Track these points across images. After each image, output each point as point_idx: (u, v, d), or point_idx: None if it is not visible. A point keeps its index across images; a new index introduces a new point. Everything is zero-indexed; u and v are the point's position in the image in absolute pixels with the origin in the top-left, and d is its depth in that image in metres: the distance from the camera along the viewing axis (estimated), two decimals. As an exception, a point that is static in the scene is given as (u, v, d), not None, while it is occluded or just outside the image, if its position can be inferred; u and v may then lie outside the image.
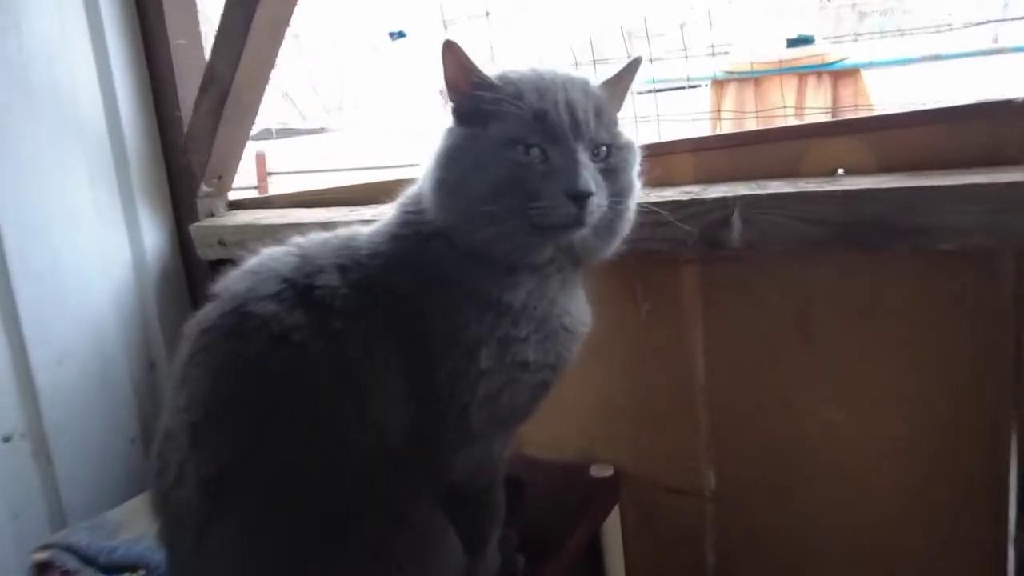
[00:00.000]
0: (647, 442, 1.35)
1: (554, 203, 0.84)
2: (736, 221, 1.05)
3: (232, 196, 1.96)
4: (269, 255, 0.98)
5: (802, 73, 3.75)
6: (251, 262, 0.96)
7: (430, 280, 0.93)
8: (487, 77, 0.90)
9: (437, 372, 0.90)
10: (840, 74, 3.85)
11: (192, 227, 1.83)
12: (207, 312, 0.92)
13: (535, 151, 0.85)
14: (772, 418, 1.23)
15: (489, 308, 0.91)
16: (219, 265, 1.00)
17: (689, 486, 1.33)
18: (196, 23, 1.83)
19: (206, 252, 1.82)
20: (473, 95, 0.89)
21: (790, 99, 3.72)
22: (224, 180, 1.89)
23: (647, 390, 1.34)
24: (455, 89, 0.91)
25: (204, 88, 1.74)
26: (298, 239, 1.02)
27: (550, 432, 1.39)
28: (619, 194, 0.90)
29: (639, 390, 1.34)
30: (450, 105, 0.93)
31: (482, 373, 0.90)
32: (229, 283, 0.94)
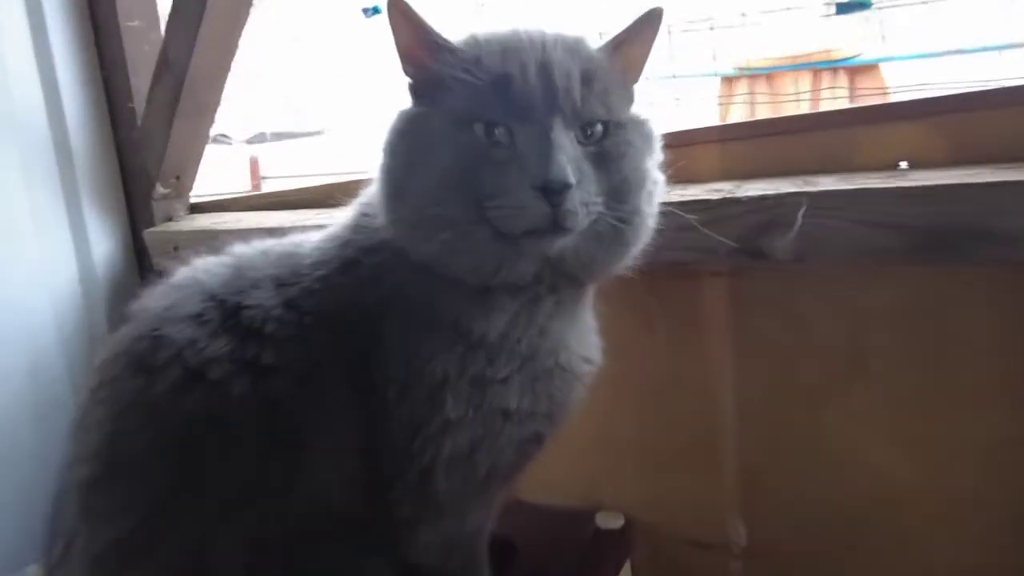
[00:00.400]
0: (664, 487, 1.17)
1: (518, 200, 0.65)
2: (783, 227, 0.84)
3: (197, 199, 1.77)
4: (201, 266, 0.82)
5: (816, 69, 3.55)
6: (179, 274, 0.84)
7: (384, 300, 0.74)
8: (445, 40, 0.71)
9: (390, 422, 0.72)
10: (856, 70, 3.64)
11: (146, 233, 1.64)
12: (120, 335, 0.79)
13: (499, 131, 0.67)
14: (817, 465, 1.04)
15: (458, 340, 0.72)
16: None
17: (714, 540, 1.13)
18: (153, 2, 1.63)
19: (161, 261, 1.62)
20: (430, 66, 0.71)
21: (804, 97, 3.51)
22: (183, 180, 1.69)
23: (664, 426, 1.14)
24: (409, 59, 0.72)
25: (157, 76, 1.55)
26: (239, 246, 0.85)
27: (547, 473, 1.18)
28: (622, 188, 0.71)
29: (654, 426, 1.15)
30: (409, 82, 0.74)
31: (448, 424, 0.72)
32: (148, 300, 0.80)
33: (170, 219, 1.69)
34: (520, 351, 0.74)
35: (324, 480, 0.72)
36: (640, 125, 0.74)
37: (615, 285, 0.86)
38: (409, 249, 0.72)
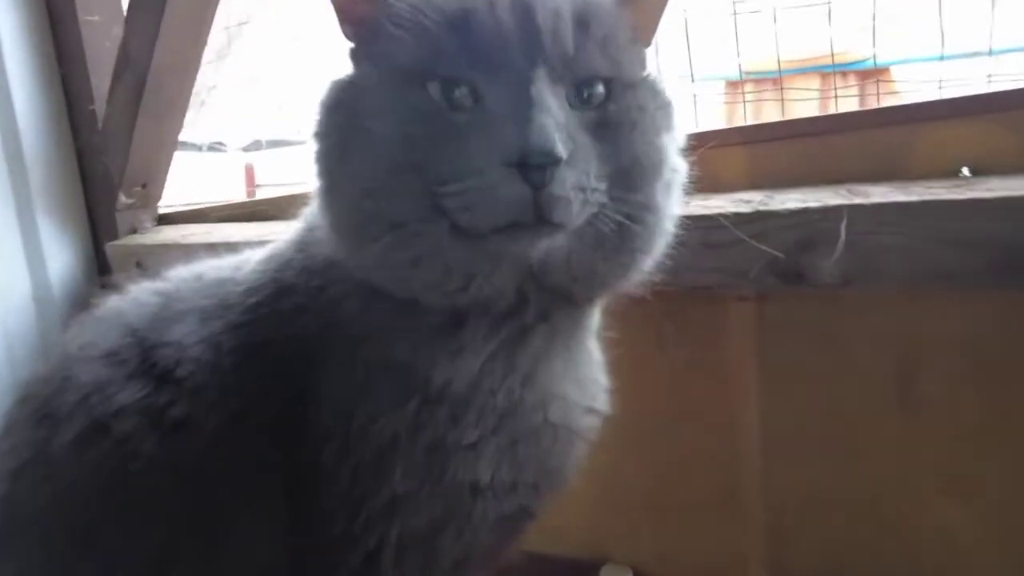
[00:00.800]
0: (679, 538, 1.03)
1: (485, 181, 0.48)
2: (828, 244, 0.70)
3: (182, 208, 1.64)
4: (131, 294, 0.72)
5: (825, 73, 3.39)
6: (105, 304, 0.73)
7: (322, 335, 0.60)
8: None
9: (328, 492, 0.58)
10: (867, 74, 3.50)
11: (108, 246, 1.50)
12: (33, 375, 0.71)
13: (460, 90, 0.51)
14: (858, 516, 0.90)
15: (412, 390, 0.58)
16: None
17: (738, 599, 0.98)
18: (115, -5, 1.50)
19: (124, 277, 1.48)
20: (369, 15, 0.54)
21: (812, 102, 3.37)
22: (150, 188, 1.55)
23: (680, 468, 1.00)
24: (346, 12, 0.56)
25: (118, 74, 1.41)
26: (177, 269, 0.75)
27: (545, 519, 1.04)
28: (632, 172, 0.54)
29: (669, 468, 1.01)
30: (350, 50, 0.59)
31: (396, 501, 0.57)
32: (70, 334, 0.72)
33: (135, 231, 1.55)
34: (496, 406, 0.58)
35: (246, 561, 0.59)
36: (655, 89, 0.57)
37: (622, 304, 0.72)
38: (348, 262, 0.57)
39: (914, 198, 0.69)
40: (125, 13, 1.43)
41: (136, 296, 0.70)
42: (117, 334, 0.64)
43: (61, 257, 1.50)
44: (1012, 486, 0.82)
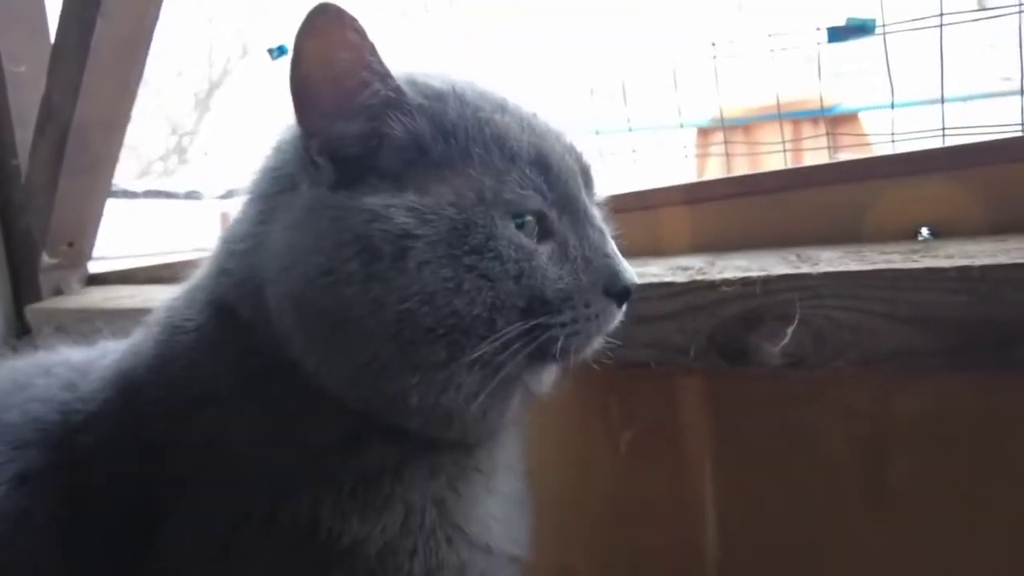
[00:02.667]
0: None
1: (592, 308, 0.54)
2: (774, 321, 0.62)
3: (103, 267, 1.54)
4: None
5: (796, 120, 3.39)
6: None
7: (179, 481, 0.52)
8: (400, 84, 0.52)
9: None
10: (837, 120, 3.50)
11: (28, 309, 1.40)
12: None
13: (527, 220, 0.54)
14: None
15: (306, 544, 0.50)
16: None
17: None
18: (45, 45, 1.42)
19: (45, 343, 1.38)
20: (375, 119, 0.51)
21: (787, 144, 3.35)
22: (78, 247, 1.46)
23: (628, 562, 0.89)
24: (336, 106, 0.51)
25: (40, 128, 1.34)
26: (24, 360, 0.66)
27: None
28: None
29: (616, 562, 0.90)
30: (313, 142, 0.52)
31: None
32: None
33: (60, 292, 1.45)
34: (412, 572, 0.52)
35: None
36: None
37: (569, 384, 0.65)
38: (366, 396, 0.51)
39: (867, 266, 0.61)
40: (50, 65, 1.36)
41: None
42: None
43: (-22, 320, 1.40)
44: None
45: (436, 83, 0.55)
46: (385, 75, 0.51)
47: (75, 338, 1.25)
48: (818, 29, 0.82)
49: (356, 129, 0.51)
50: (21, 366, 0.63)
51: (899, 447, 0.73)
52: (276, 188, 0.55)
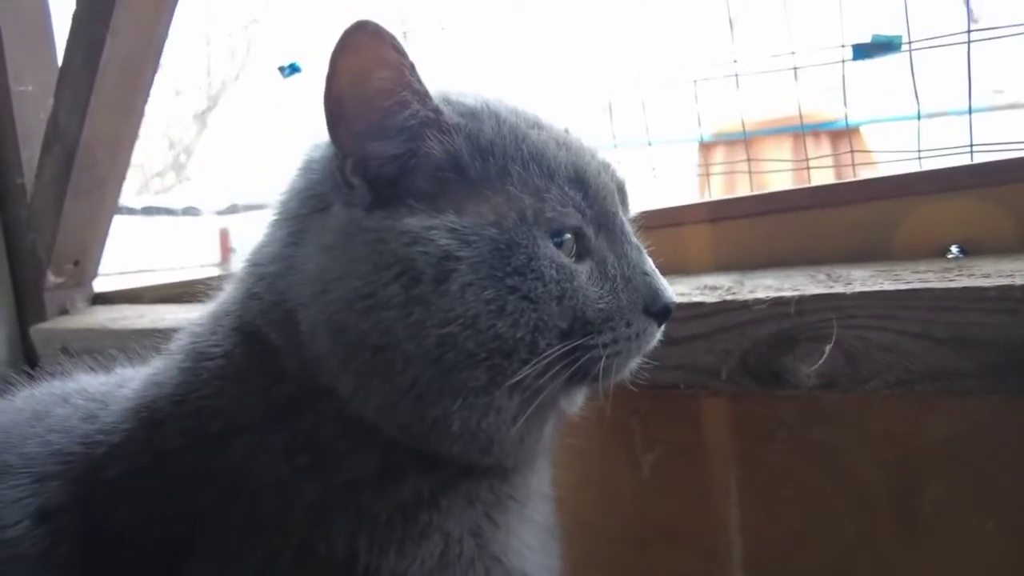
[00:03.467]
0: None
1: (633, 328, 0.53)
2: (808, 342, 0.61)
3: (110, 285, 1.53)
4: None
5: (797, 134, 3.38)
6: None
7: (209, 516, 0.50)
8: (438, 104, 0.51)
9: None
10: (838, 134, 3.50)
11: (32, 329, 1.38)
12: None
13: (566, 239, 0.53)
14: None
15: None
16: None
17: None
18: (51, 65, 1.41)
19: (50, 364, 1.36)
20: (413, 140, 0.50)
21: (785, 165, 3.35)
22: (83, 266, 1.45)
23: (653, 588, 0.86)
24: (373, 125, 0.50)
25: (47, 147, 1.33)
26: (40, 389, 0.65)
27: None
28: None
29: (641, 587, 0.87)
30: (347, 161, 0.51)
31: None
32: None
33: (65, 311, 1.44)
34: None
35: None
36: None
37: (591, 406, 0.64)
38: (406, 423, 0.50)
39: (902, 286, 0.60)
40: (57, 83, 1.35)
41: None
42: None
43: (-19, 341, 1.38)
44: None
45: (470, 101, 0.54)
46: (425, 95, 0.50)
47: (84, 360, 1.24)
48: (843, 46, 0.81)
49: (393, 149, 0.50)
50: (38, 395, 0.61)
51: (931, 470, 0.71)
52: (307, 209, 0.54)
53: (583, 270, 0.52)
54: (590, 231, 0.54)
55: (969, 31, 0.71)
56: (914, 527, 0.73)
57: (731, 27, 1.06)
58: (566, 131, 0.57)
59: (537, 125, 0.55)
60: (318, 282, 0.50)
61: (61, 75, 1.27)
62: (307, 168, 0.56)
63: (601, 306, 0.52)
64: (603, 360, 0.51)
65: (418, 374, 0.48)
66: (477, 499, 0.53)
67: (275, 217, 0.57)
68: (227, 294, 0.59)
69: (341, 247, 0.50)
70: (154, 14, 1.20)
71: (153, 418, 0.53)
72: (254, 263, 0.57)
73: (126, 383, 0.60)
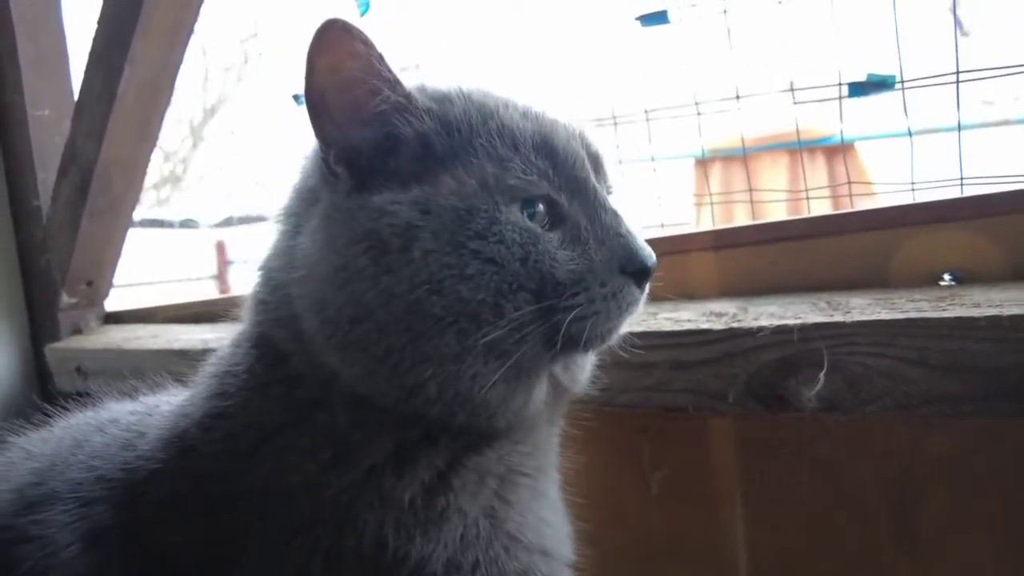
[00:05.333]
0: None
1: (608, 288, 0.54)
2: (810, 368, 0.64)
3: (124, 304, 1.55)
4: (18, 448, 0.64)
5: (793, 150, 3.42)
6: (8, 448, 0.65)
7: (244, 530, 0.52)
8: (409, 90, 0.54)
9: None
10: (833, 150, 3.54)
11: (47, 349, 1.41)
12: None
13: (538, 209, 0.55)
14: None
15: (378, 570, 0.50)
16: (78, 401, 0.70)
17: None
18: (67, 90, 1.45)
19: (64, 383, 1.38)
20: (387, 124, 0.53)
21: (781, 181, 3.39)
22: (96, 286, 1.48)
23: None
24: (350, 114, 0.53)
25: (63, 170, 1.36)
26: (78, 416, 0.65)
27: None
28: None
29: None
30: (330, 152, 0.54)
31: None
32: None
33: (79, 331, 1.46)
34: None
35: None
36: None
37: (599, 423, 0.67)
38: (398, 395, 0.52)
39: (898, 315, 0.64)
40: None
41: (26, 450, 0.62)
42: None
43: (-3, 359, 1.41)
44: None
45: (444, 88, 0.57)
46: (394, 81, 0.53)
47: (101, 382, 1.27)
48: (841, 84, 0.85)
49: (370, 135, 0.53)
50: (75, 423, 0.64)
51: (929, 487, 0.75)
52: (302, 205, 0.57)
53: (553, 236, 0.54)
54: (561, 198, 0.55)
55: (958, 71, 0.75)
56: (914, 542, 0.76)
57: (729, 37, 1.10)
58: (542, 111, 0.59)
59: (507, 104, 0.57)
60: (305, 265, 0.53)
61: (79, 102, 1.30)
62: (302, 169, 0.60)
63: (571, 267, 0.53)
64: (576, 322, 0.52)
65: (392, 342, 0.51)
66: (488, 474, 0.55)
67: (276, 221, 0.60)
68: (243, 313, 0.62)
69: (323, 230, 0.53)
70: (171, 42, 1.23)
71: (186, 447, 0.56)
72: (262, 267, 0.60)
73: (154, 411, 0.62)
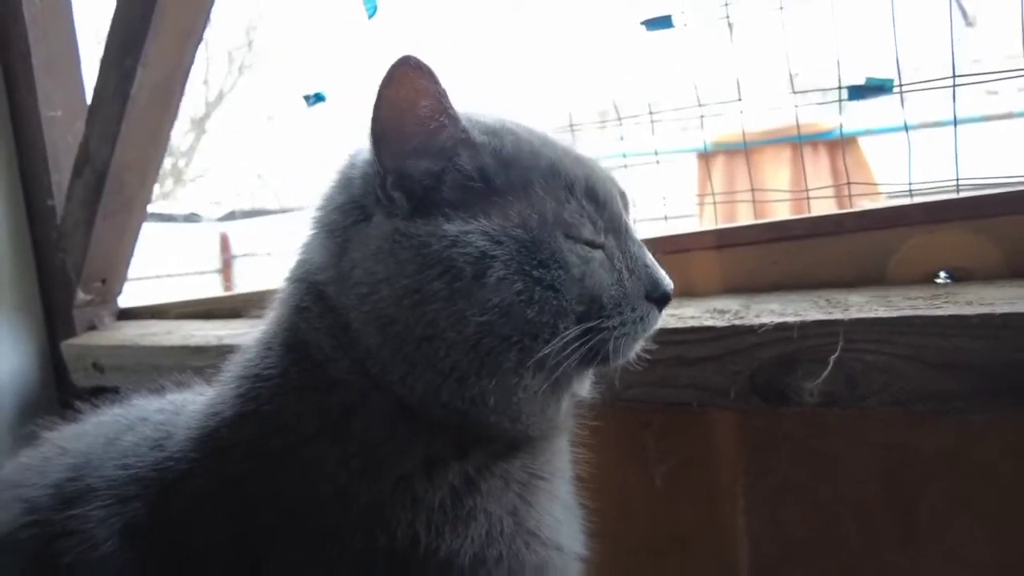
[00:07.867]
0: None
1: (637, 312, 0.61)
2: (810, 364, 0.66)
3: (133, 300, 1.58)
4: (53, 442, 0.66)
5: (795, 144, 3.43)
6: (40, 446, 0.67)
7: (276, 534, 0.54)
8: (466, 125, 0.58)
9: None
10: (835, 144, 3.55)
11: (63, 345, 1.43)
12: None
13: (599, 240, 0.61)
14: None
15: (411, 566, 0.53)
16: (101, 397, 0.72)
17: None
18: (79, 91, 1.47)
19: (81, 379, 1.41)
20: (448, 158, 0.57)
21: (784, 175, 3.40)
22: (110, 284, 1.50)
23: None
24: (415, 146, 0.56)
25: (77, 171, 1.38)
26: (113, 411, 0.67)
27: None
28: None
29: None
30: (388, 178, 0.57)
31: None
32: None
33: (93, 327, 1.49)
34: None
35: None
36: None
37: (605, 418, 0.69)
38: (459, 412, 0.56)
39: (894, 313, 0.66)
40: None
41: (60, 443, 0.64)
42: (19, 511, 0.57)
43: (11, 356, 1.44)
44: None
45: (489, 120, 0.61)
46: (457, 118, 0.57)
47: (123, 376, 1.28)
48: (840, 88, 0.87)
49: (431, 166, 0.57)
50: (106, 421, 0.66)
51: (927, 480, 0.77)
52: (348, 220, 0.59)
53: (597, 256, 0.59)
54: (601, 237, 0.61)
55: (954, 76, 0.77)
56: (913, 534, 0.79)
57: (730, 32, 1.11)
58: (572, 145, 0.64)
59: (548, 142, 0.62)
60: (367, 284, 0.56)
61: (92, 105, 1.32)
62: (347, 184, 0.62)
63: (613, 292, 0.59)
64: (612, 340, 0.58)
65: (459, 359, 0.55)
66: (512, 480, 0.59)
67: (315, 231, 0.62)
68: (274, 313, 0.64)
69: (388, 252, 0.56)
70: (182, 45, 1.25)
71: (216, 448, 0.58)
72: (297, 279, 0.62)
73: (181, 410, 0.64)
